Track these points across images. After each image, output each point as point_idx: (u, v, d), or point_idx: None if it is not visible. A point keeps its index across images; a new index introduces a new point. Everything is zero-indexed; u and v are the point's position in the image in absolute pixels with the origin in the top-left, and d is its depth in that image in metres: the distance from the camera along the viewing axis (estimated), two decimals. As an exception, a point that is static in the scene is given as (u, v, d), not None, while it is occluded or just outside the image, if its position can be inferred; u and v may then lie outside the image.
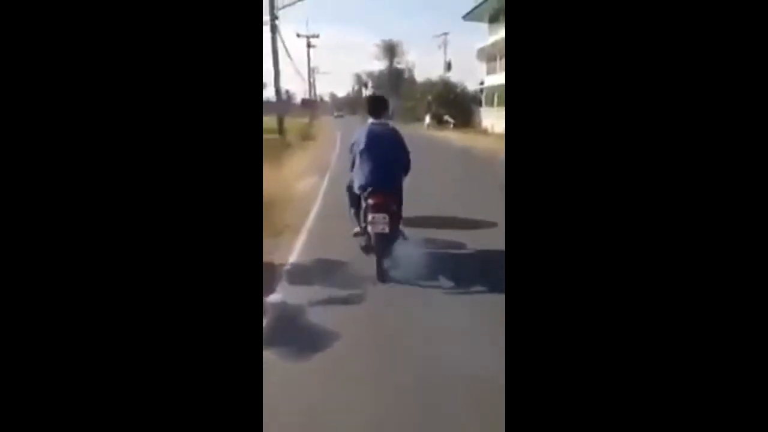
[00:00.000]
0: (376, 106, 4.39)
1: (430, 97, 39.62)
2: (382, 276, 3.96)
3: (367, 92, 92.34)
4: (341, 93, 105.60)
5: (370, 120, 4.33)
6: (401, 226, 4.42)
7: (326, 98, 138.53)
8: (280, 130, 18.46)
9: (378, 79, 73.43)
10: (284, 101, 20.95)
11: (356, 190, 4.22)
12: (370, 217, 3.98)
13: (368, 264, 4.15)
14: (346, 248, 4.68)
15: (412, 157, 4.37)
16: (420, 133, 30.41)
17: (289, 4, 19.40)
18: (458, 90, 40.06)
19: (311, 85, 46.75)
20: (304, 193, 8.13)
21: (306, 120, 37.43)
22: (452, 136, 26.38)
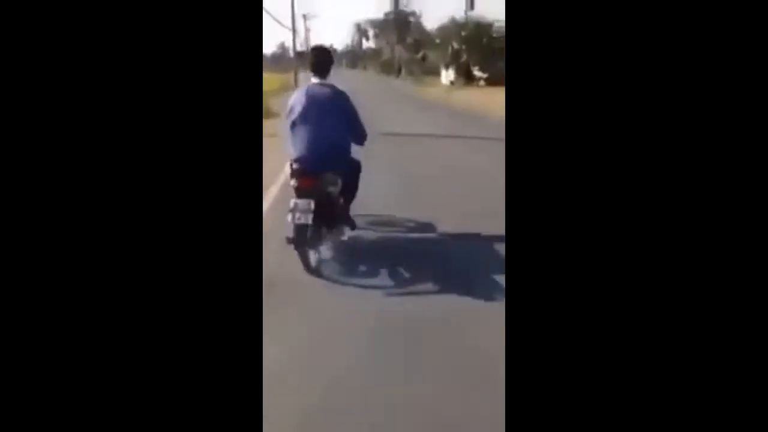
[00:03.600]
0: (321, 61, 3.50)
1: (454, 44, 28.68)
2: (309, 267, 3.30)
3: (367, 44, 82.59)
4: (339, 45, 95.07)
5: (312, 80, 3.53)
6: (351, 214, 3.79)
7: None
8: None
9: (381, 26, 62.98)
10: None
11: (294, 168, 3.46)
12: (291, 202, 3.23)
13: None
14: None
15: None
16: (437, 96, 21.08)
17: None
18: (493, 33, 27.89)
19: (296, 34, 36.51)
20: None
21: (290, 76, 27.82)
22: (494, 101, 16.59)
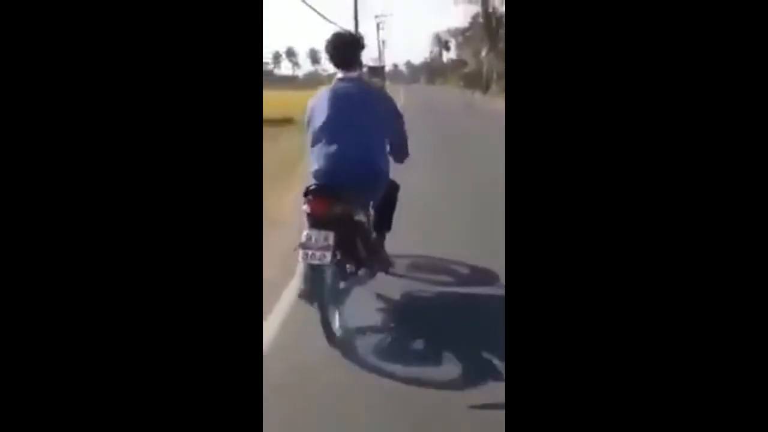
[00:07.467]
0: (344, 50, 2.64)
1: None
2: (332, 337, 2.41)
3: (448, 54, 74.46)
4: (418, 59, 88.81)
5: (338, 75, 2.68)
6: (386, 253, 2.97)
7: (401, 66, 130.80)
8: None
9: (466, 33, 54.91)
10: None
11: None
12: (303, 234, 2.39)
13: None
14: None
15: None
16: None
17: None
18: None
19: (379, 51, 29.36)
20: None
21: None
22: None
